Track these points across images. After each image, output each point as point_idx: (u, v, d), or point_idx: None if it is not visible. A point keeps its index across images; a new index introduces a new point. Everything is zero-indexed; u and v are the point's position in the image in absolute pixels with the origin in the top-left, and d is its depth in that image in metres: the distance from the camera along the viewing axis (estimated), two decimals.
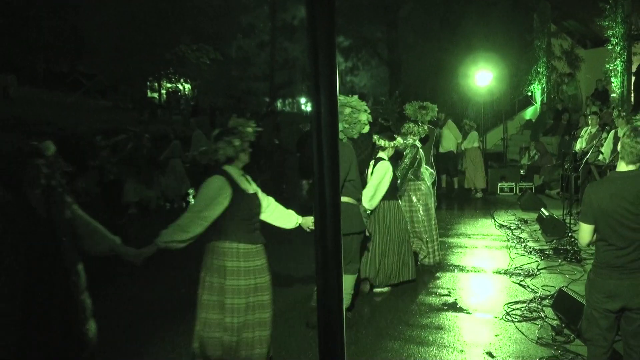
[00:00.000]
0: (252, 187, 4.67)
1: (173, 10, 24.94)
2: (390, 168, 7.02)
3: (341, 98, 5.90)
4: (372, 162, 7.16)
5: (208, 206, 4.39)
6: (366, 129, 6.06)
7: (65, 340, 3.88)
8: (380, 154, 7.11)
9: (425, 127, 8.68)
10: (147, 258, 4.35)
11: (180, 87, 31.05)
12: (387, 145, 7.09)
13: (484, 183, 15.08)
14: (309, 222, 5.05)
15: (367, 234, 6.55)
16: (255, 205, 4.64)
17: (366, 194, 6.61)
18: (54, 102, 24.17)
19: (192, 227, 4.36)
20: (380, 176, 6.85)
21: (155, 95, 30.99)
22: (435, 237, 8.40)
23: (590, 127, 12.51)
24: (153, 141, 14.13)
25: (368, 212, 6.75)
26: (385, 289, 7.26)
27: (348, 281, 6.08)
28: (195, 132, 15.01)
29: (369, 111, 6.05)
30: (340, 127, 5.71)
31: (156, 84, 29.25)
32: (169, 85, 30.18)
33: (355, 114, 5.91)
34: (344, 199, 5.76)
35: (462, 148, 15.54)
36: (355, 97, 6.09)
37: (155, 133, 15.55)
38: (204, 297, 4.51)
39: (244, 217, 4.51)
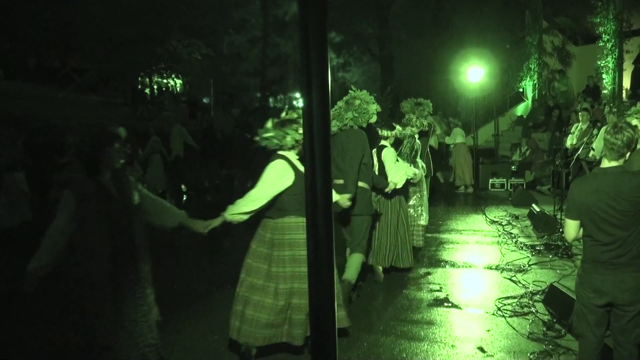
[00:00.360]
0: None
1: (164, 5, 24.83)
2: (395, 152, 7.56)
3: (351, 92, 6.74)
4: (374, 151, 7.36)
5: (273, 185, 4.97)
6: (374, 118, 6.73)
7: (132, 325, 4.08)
8: (383, 142, 7.50)
9: (425, 122, 8.93)
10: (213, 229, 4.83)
11: (172, 82, 30.94)
12: (388, 134, 7.56)
13: (472, 179, 15.14)
14: None
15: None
16: None
17: (394, 176, 7.13)
18: (45, 97, 24.02)
19: (257, 202, 4.94)
20: (392, 159, 7.30)
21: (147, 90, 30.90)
22: (419, 224, 8.52)
23: (581, 123, 12.56)
24: (137, 137, 14.02)
25: (378, 196, 7.31)
26: (380, 269, 7.58)
27: (357, 259, 6.50)
28: (174, 127, 14.76)
29: (376, 103, 6.76)
30: (351, 116, 6.45)
31: (147, 80, 29.10)
32: (160, 80, 30.07)
33: (364, 105, 6.58)
34: (359, 183, 6.37)
35: (448, 144, 15.66)
36: (365, 91, 6.74)
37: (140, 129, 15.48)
38: (253, 264, 5.09)
39: (303, 196, 4.66)
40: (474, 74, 16.66)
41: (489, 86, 19.72)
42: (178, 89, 31.90)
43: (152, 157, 13.73)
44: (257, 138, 5.18)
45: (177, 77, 30.70)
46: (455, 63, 19.39)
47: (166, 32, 25.32)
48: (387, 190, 7.10)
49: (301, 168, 4.97)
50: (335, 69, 35.54)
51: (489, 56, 18.40)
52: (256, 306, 4.94)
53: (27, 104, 20.36)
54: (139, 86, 28.44)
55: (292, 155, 5.14)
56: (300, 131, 4.93)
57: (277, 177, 5.00)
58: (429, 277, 7.80)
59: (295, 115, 5.22)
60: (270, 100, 38.68)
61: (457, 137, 15.28)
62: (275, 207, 5.04)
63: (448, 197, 14.45)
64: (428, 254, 8.92)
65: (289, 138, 5.07)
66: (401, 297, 6.99)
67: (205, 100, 30.05)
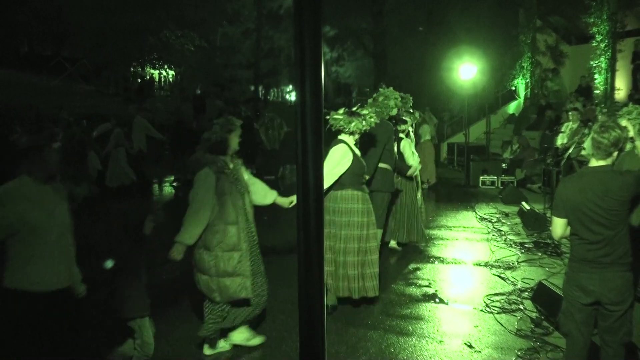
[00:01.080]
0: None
1: None
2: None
3: (381, 89, 7.77)
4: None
5: (337, 165, 5.98)
6: (394, 111, 7.68)
7: None
8: (400, 135, 8.35)
9: (417, 115, 9.83)
10: None
11: (164, 73, 30.84)
12: (404, 127, 8.61)
13: (434, 177, 15.11)
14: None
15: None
16: (363, 166, 6.28)
17: (414, 162, 8.39)
18: (37, 86, 23.91)
19: (326, 181, 5.69)
20: (409, 148, 8.47)
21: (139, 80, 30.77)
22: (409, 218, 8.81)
23: (571, 122, 12.60)
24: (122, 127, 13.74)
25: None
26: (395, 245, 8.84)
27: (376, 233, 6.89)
28: (136, 119, 14.13)
29: (398, 98, 7.69)
30: (374, 111, 6.89)
31: (140, 70, 29.02)
32: (152, 71, 29.97)
33: (385, 100, 7.51)
34: (382, 165, 7.24)
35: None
36: (390, 88, 7.78)
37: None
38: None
39: (358, 174, 6.16)
40: (466, 71, 16.67)
41: (482, 84, 19.75)
42: (170, 79, 31.78)
43: (115, 151, 12.93)
44: (327, 116, 6.11)
45: (170, 68, 30.61)
46: (448, 60, 19.40)
47: (159, 23, 25.24)
48: (409, 173, 8.34)
49: (357, 151, 6.27)
50: (329, 63, 35.51)
51: (482, 54, 18.42)
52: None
53: (17, 92, 20.26)
54: (131, 76, 28.33)
55: (351, 140, 6.21)
56: (365, 123, 6.15)
57: (340, 158, 6.03)
58: (418, 272, 7.83)
59: (365, 112, 6.28)
60: (260, 92, 38.57)
61: (426, 135, 15.11)
62: (336, 181, 6.05)
63: (439, 194, 14.47)
64: (417, 250, 8.94)
65: (352, 124, 6.09)
66: (390, 292, 7.01)
67: (197, 92, 29.96)
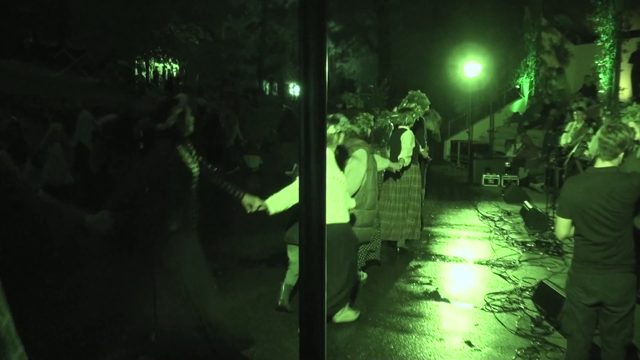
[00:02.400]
0: None
1: None
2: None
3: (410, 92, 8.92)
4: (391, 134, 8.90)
5: (411, 146, 8.24)
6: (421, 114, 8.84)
7: None
8: (402, 126, 8.63)
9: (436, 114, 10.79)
10: None
11: (168, 66, 30.82)
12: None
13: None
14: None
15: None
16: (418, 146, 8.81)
17: (404, 154, 8.40)
18: (41, 77, 23.89)
19: (408, 159, 8.12)
20: (409, 140, 8.65)
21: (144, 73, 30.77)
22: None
23: (575, 122, 12.57)
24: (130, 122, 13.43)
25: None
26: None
27: None
28: (81, 114, 13.39)
29: (429, 103, 9.02)
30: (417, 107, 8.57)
31: (144, 63, 28.97)
32: (157, 64, 29.93)
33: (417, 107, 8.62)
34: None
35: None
36: (418, 91, 8.96)
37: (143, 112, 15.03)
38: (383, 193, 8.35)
39: (416, 152, 8.51)
40: (471, 68, 16.65)
41: (486, 82, 19.73)
42: (175, 73, 31.76)
43: (51, 147, 11.82)
44: (387, 117, 8.20)
45: (174, 62, 30.57)
46: (452, 57, 19.38)
47: (164, 15, 25.19)
48: (391, 165, 8.06)
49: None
50: (333, 58, 35.43)
51: (487, 51, 18.40)
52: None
53: (21, 83, 20.24)
54: (135, 69, 28.30)
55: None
56: (414, 116, 8.45)
57: (412, 141, 8.22)
58: (419, 270, 7.82)
59: (412, 105, 8.50)
60: (265, 86, 38.54)
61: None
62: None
63: (441, 192, 14.46)
64: (419, 247, 8.94)
65: (407, 118, 8.40)
66: (391, 289, 7.01)
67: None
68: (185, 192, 4.60)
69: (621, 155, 4.01)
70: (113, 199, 4.39)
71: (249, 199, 5.03)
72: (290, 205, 5.41)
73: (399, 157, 8.15)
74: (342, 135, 5.82)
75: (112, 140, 13.87)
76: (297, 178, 4.69)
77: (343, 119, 5.80)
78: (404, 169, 8.30)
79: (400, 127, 8.40)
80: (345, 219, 5.79)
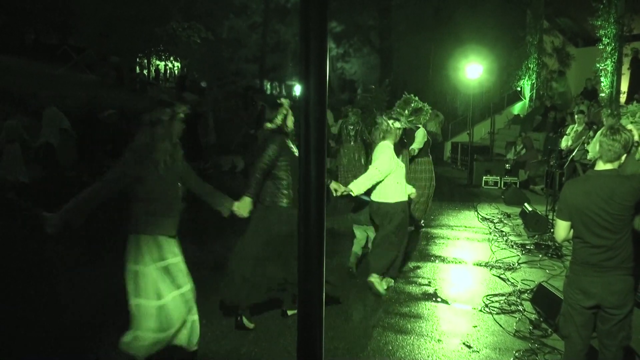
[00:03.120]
0: None
1: None
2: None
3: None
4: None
5: (424, 140, 9.37)
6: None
7: None
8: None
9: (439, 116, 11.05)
10: None
11: (170, 64, 30.83)
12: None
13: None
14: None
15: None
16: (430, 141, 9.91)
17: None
18: (42, 74, 23.89)
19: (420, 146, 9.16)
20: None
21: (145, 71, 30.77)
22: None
23: (576, 125, 12.57)
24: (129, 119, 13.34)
25: None
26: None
27: None
28: (46, 110, 13.15)
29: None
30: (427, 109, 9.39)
31: (146, 61, 28.98)
32: (158, 62, 29.94)
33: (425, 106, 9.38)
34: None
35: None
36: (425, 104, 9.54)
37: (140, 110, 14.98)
38: None
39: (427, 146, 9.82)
40: (472, 70, 16.64)
41: (487, 83, 19.74)
42: (176, 71, 31.77)
43: (8, 146, 11.45)
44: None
45: (176, 60, 30.57)
46: (454, 59, 19.39)
47: (166, 14, 25.19)
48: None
49: None
50: (335, 59, 35.46)
51: (489, 53, 18.40)
52: None
53: (22, 80, 20.23)
54: (137, 67, 28.30)
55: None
56: (425, 113, 9.27)
57: (424, 136, 9.38)
58: (418, 271, 7.82)
59: (420, 105, 9.20)
60: (266, 86, 38.54)
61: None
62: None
63: (441, 193, 14.45)
64: (418, 248, 8.94)
65: (422, 118, 9.25)
66: (390, 290, 7.00)
67: (203, 84, 29.93)
68: (294, 176, 5.56)
69: (624, 157, 4.02)
70: (252, 187, 5.34)
71: (334, 185, 6.34)
72: (368, 188, 6.78)
73: (410, 147, 9.42)
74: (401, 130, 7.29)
75: (82, 137, 13.67)
76: (372, 165, 6.28)
77: (403, 118, 7.87)
78: (413, 157, 9.58)
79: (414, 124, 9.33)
80: (405, 197, 6.98)
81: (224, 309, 5.87)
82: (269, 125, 5.62)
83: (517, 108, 22.39)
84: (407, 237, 7.31)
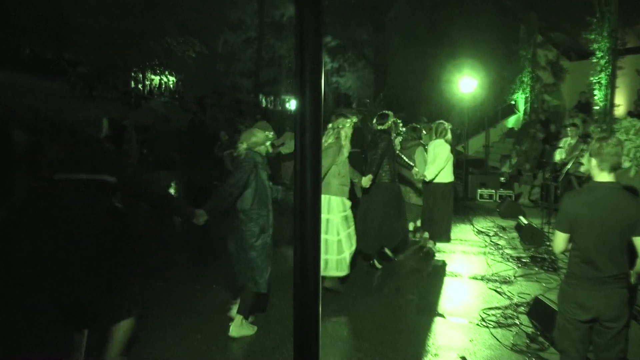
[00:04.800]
0: None
1: (160, 1, 24.79)
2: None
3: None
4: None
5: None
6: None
7: None
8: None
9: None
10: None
11: (165, 79, 30.89)
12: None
13: None
14: None
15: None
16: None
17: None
18: (37, 88, 23.89)
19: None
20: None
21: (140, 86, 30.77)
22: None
23: (570, 138, 12.60)
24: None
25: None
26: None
27: None
28: None
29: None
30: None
31: (140, 75, 29.02)
32: (153, 76, 30.00)
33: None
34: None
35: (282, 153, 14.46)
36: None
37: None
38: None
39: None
40: (466, 84, 16.69)
41: (481, 97, 19.81)
42: (171, 85, 31.82)
43: None
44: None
45: (171, 74, 30.64)
46: (448, 72, 19.46)
47: (161, 28, 25.28)
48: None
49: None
50: (330, 73, 35.55)
51: (482, 67, 18.47)
52: None
53: (17, 94, 20.23)
54: (132, 81, 28.35)
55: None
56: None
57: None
58: (414, 284, 7.81)
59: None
60: (262, 100, 38.59)
61: (291, 144, 13.26)
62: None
63: None
64: (414, 262, 8.93)
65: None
66: (384, 304, 6.99)
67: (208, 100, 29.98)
68: (392, 163, 8.18)
69: (621, 164, 4.02)
70: (374, 169, 7.87)
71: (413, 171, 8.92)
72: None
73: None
74: None
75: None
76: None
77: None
78: None
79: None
80: (451, 178, 9.32)
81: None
82: (380, 127, 8.19)
83: (512, 121, 22.45)
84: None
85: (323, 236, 6.72)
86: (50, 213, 4.24)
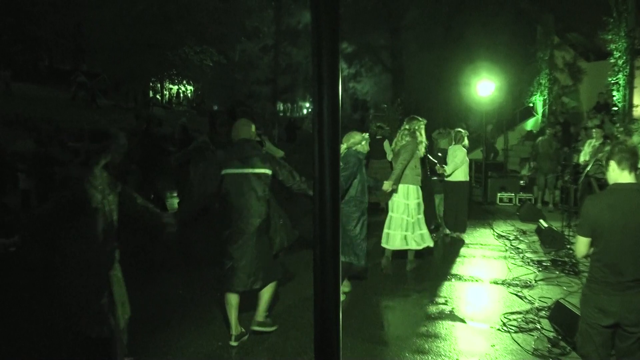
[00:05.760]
0: None
1: (178, 11, 24.98)
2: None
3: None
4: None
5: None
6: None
7: None
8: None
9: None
10: None
11: (183, 88, 31.10)
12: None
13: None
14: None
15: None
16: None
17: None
18: (55, 100, 24.15)
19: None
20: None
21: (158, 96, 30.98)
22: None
23: (594, 140, 12.46)
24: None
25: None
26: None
27: None
28: None
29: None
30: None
31: (159, 85, 29.26)
32: (171, 86, 30.22)
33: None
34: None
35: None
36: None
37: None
38: None
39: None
40: (484, 87, 16.62)
41: (499, 100, 19.72)
42: (189, 95, 32.03)
43: None
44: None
45: (189, 84, 30.83)
46: (465, 76, 19.40)
47: (178, 38, 25.45)
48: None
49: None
50: (347, 79, 35.59)
51: (500, 70, 18.39)
52: None
53: (36, 106, 20.48)
54: (150, 91, 28.57)
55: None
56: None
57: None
58: (435, 289, 7.77)
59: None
60: (280, 108, 38.72)
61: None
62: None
63: None
64: (434, 266, 8.90)
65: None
66: (406, 309, 6.97)
67: (215, 108, 30.10)
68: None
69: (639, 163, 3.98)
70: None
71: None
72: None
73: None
74: None
75: None
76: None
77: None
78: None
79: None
80: (467, 178, 10.80)
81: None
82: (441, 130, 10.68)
83: (530, 124, 22.32)
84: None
85: (404, 217, 8.21)
86: None
